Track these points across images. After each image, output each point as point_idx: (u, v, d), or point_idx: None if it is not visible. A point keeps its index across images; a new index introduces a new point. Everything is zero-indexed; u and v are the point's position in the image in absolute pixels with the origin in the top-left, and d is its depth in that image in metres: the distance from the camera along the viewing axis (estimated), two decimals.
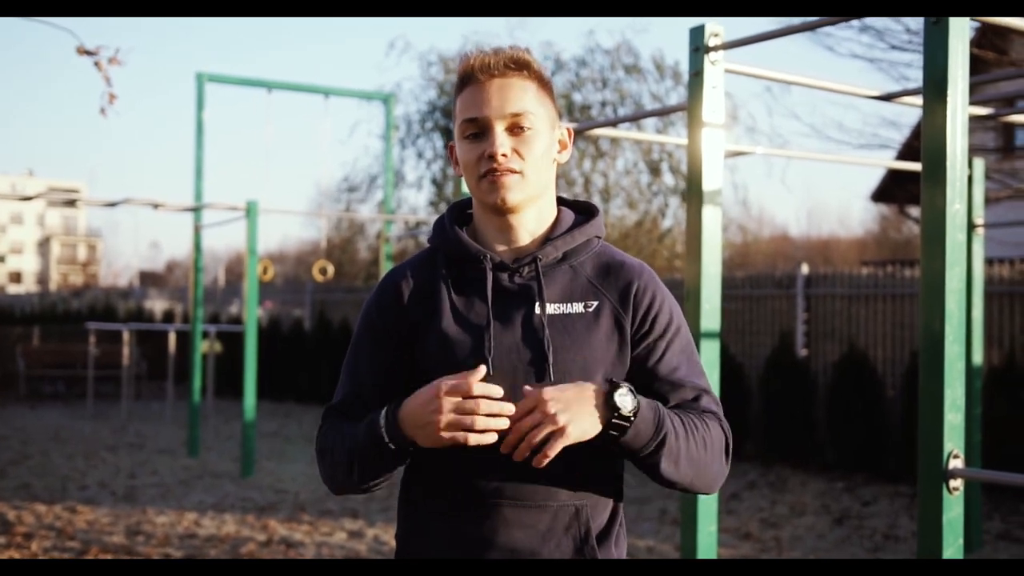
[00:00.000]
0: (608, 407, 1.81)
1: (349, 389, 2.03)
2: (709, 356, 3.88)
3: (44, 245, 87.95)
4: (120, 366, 17.58)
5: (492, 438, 1.80)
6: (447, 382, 1.80)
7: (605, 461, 1.97)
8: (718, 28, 3.81)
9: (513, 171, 1.92)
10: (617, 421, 1.81)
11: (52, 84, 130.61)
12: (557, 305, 1.95)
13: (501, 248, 2.00)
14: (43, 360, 18.57)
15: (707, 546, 3.89)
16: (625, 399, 1.82)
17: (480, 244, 2.01)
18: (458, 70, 2.00)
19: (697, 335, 3.86)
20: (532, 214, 1.99)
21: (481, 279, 1.97)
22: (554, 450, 1.78)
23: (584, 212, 2.11)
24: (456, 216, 2.09)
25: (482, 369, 1.82)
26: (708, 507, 3.89)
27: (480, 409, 1.78)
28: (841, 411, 10.23)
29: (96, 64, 7.10)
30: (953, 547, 2.99)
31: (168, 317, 22.53)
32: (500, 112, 1.92)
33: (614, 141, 18.18)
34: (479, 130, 1.94)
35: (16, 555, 6.62)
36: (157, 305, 26.33)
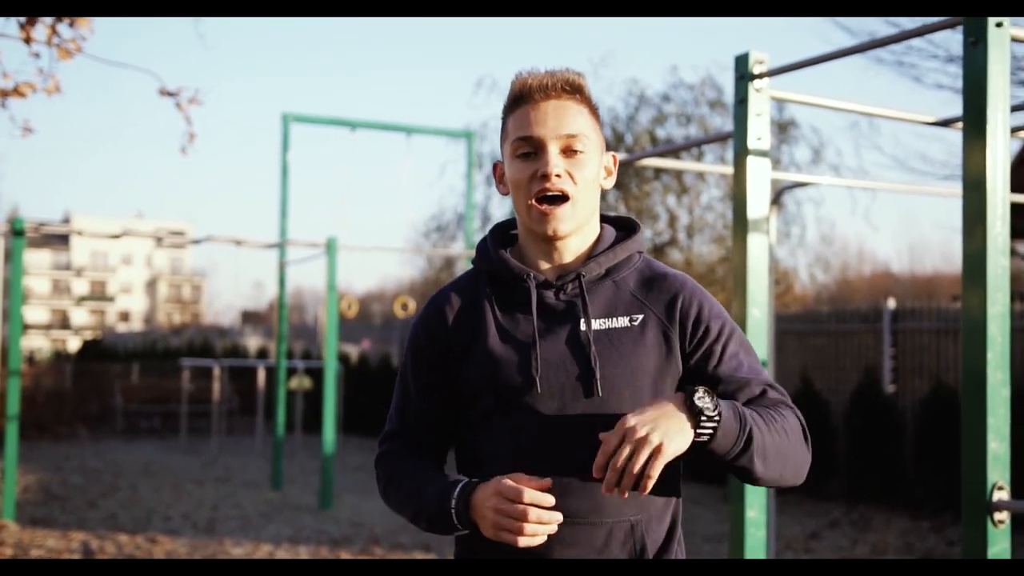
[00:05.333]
0: (692, 413, 1.78)
1: (405, 415, 2.07)
2: None
3: (152, 285, 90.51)
4: (212, 401, 17.96)
5: (540, 540, 1.80)
6: (504, 482, 1.81)
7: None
8: (762, 56, 3.78)
9: (565, 194, 1.92)
10: (705, 423, 1.79)
11: (164, 129, 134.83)
12: (602, 320, 1.96)
13: (545, 267, 2.01)
14: (140, 396, 19.07)
15: None
16: (705, 401, 1.79)
17: (524, 264, 2.03)
18: (512, 88, 2.00)
19: None
20: (577, 238, 2.00)
21: (525, 298, 1.98)
22: (656, 471, 1.75)
23: (625, 228, 2.12)
24: (498, 238, 2.10)
25: (547, 482, 1.82)
26: (756, 541, 3.81)
27: (529, 517, 1.78)
28: (929, 449, 9.93)
29: (177, 105, 7.34)
30: None
31: (262, 354, 22.92)
32: (556, 132, 1.93)
33: (700, 175, 18.07)
34: (532, 149, 1.94)
35: None
36: (252, 342, 26.86)
